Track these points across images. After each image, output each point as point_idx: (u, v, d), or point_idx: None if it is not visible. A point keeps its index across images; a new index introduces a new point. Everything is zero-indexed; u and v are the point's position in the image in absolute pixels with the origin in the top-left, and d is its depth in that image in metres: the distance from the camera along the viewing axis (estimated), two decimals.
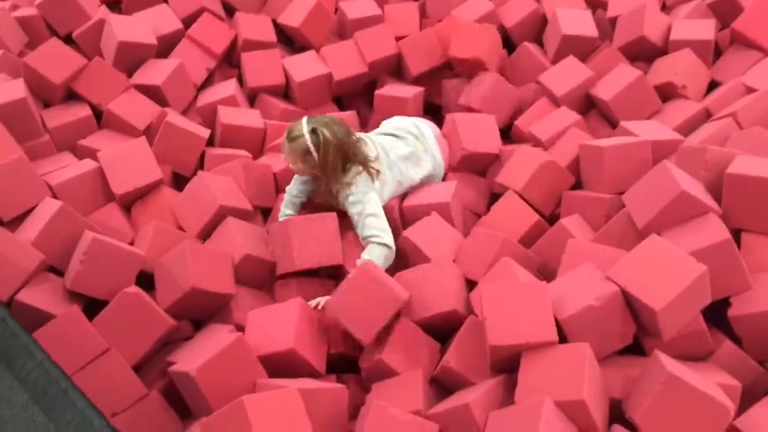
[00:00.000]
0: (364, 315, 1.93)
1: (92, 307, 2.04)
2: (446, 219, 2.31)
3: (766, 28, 2.73)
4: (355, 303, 1.94)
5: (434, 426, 1.65)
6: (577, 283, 1.82)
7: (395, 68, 3.26)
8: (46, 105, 2.78)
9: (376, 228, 2.23)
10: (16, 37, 2.90)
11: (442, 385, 1.90)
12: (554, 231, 2.20)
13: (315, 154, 2.27)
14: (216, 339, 1.89)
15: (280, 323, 1.94)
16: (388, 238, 2.23)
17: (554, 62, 3.06)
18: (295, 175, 2.47)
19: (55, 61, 2.76)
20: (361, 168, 2.32)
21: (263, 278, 2.30)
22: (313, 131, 2.27)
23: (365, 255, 2.18)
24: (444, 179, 2.61)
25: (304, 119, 2.31)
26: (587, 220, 2.24)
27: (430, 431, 1.64)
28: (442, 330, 2.01)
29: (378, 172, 2.35)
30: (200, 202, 2.34)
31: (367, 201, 2.28)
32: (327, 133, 2.26)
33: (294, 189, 2.48)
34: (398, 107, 2.95)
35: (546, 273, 2.13)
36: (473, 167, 2.69)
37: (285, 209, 2.45)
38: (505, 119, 2.92)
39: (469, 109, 2.88)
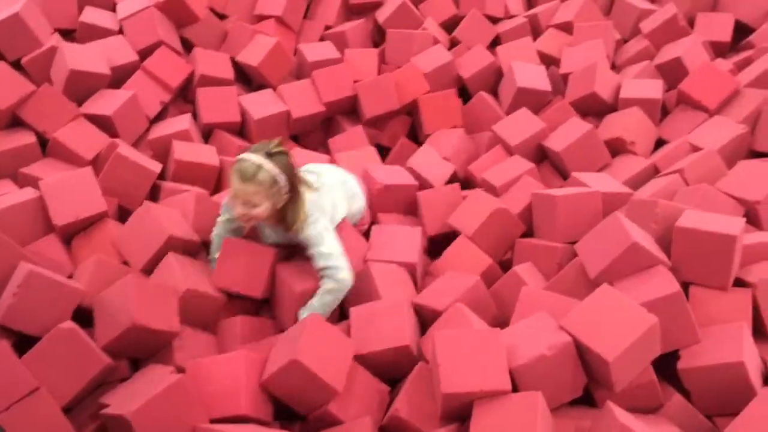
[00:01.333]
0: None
1: (23, 343, 1.92)
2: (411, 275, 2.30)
3: (711, 90, 2.86)
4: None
5: None
6: (530, 332, 1.80)
7: (351, 109, 3.27)
8: None
9: (333, 259, 2.09)
10: None
11: None
12: (507, 278, 2.20)
13: (283, 181, 2.04)
14: (155, 380, 1.79)
15: (227, 381, 1.82)
16: (347, 273, 2.10)
17: (508, 113, 3.12)
18: (225, 219, 2.26)
19: (2, 86, 2.67)
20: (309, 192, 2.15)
21: (207, 315, 2.20)
22: (269, 156, 2.03)
23: (316, 300, 2.08)
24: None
25: (248, 155, 2.05)
26: (540, 268, 2.25)
27: None
28: (391, 370, 1.96)
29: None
30: (147, 232, 2.24)
31: (324, 229, 2.13)
32: (282, 154, 2.05)
33: (229, 231, 2.28)
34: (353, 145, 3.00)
35: (498, 320, 2.11)
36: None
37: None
38: (462, 167, 2.94)
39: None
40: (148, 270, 2.22)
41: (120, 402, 1.77)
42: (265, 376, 1.83)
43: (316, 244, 2.10)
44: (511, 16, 3.74)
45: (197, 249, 2.37)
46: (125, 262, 2.26)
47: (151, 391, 1.70)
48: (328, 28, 3.63)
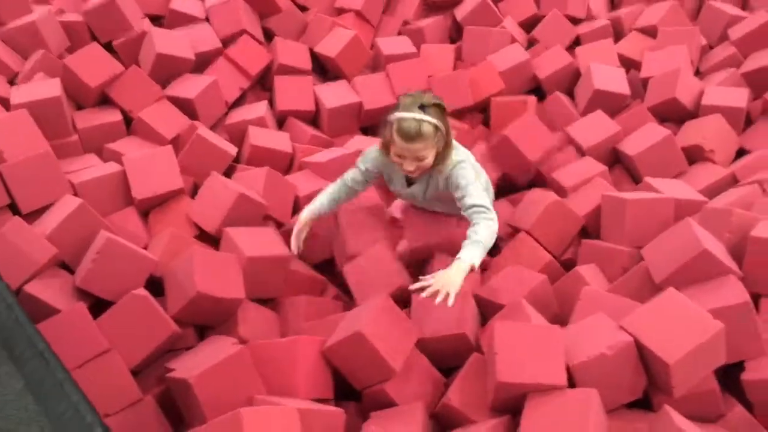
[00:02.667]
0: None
1: (99, 307, 2.03)
2: None
3: None
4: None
5: None
6: (590, 331, 1.78)
7: None
8: (79, 107, 2.83)
9: (481, 198, 2.03)
10: (58, 40, 2.97)
11: (442, 422, 1.85)
12: (569, 278, 2.17)
13: (443, 128, 2.04)
14: (218, 349, 1.86)
15: (285, 365, 1.86)
16: (493, 212, 2.03)
17: (583, 115, 3.07)
18: (364, 168, 2.27)
19: (94, 65, 2.82)
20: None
21: (274, 279, 2.27)
22: (423, 108, 2.01)
23: (474, 235, 1.95)
24: None
25: (406, 113, 2.01)
26: (603, 270, 2.20)
27: None
28: (447, 358, 1.97)
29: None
30: (217, 197, 2.33)
31: (473, 178, 2.09)
32: (435, 105, 2.03)
33: (358, 182, 2.30)
34: None
35: (558, 319, 2.09)
36: None
37: (339, 192, 2.30)
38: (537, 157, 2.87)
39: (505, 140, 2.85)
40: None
41: (184, 367, 1.85)
42: (328, 344, 1.87)
43: (464, 186, 2.06)
44: (593, 18, 3.67)
45: (264, 215, 2.43)
46: (200, 232, 2.34)
47: (214, 359, 1.77)
48: (406, 23, 3.66)
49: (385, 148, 2.13)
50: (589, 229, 2.47)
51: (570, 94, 3.29)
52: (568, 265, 2.34)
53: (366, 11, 3.59)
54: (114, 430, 1.78)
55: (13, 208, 2.28)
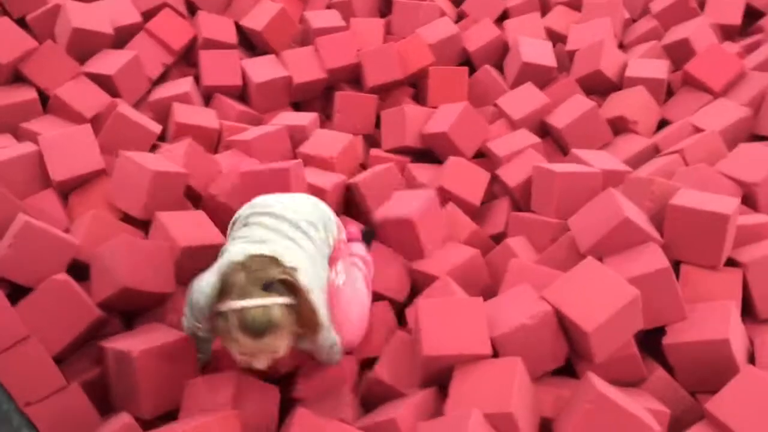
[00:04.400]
0: None
1: (17, 294, 1.94)
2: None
3: (716, 72, 2.83)
4: None
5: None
6: (513, 302, 1.82)
7: (354, 78, 3.25)
8: None
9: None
10: None
11: (371, 401, 1.86)
12: (499, 250, 2.20)
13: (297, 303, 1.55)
14: (159, 334, 1.82)
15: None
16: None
17: (512, 87, 3.10)
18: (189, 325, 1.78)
19: (5, 40, 2.67)
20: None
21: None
22: (268, 288, 1.51)
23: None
24: None
25: (248, 301, 1.49)
26: (533, 242, 2.25)
27: None
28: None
29: None
30: (132, 177, 2.22)
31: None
32: (281, 276, 1.53)
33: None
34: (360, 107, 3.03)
35: (489, 291, 2.12)
36: None
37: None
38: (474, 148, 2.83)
39: (438, 135, 2.81)
40: (149, 212, 2.21)
41: (124, 344, 1.80)
42: None
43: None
44: None
45: (185, 185, 2.34)
46: (124, 216, 2.26)
47: (159, 340, 1.76)
48: None
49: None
50: (520, 202, 2.51)
51: (499, 67, 3.32)
52: (500, 239, 2.37)
53: None
54: (38, 419, 1.73)
55: None
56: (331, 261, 1.94)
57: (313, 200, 2.05)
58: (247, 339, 1.48)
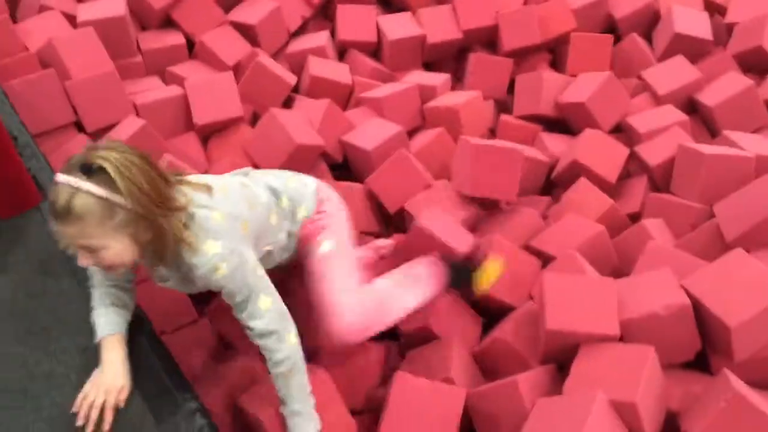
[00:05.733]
0: None
1: None
2: None
3: None
4: None
5: (461, 392, 1.60)
6: (648, 287, 1.71)
7: (490, 40, 3.16)
8: (144, 28, 2.82)
9: (270, 317, 1.44)
10: None
11: (485, 364, 1.83)
12: (633, 231, 2.08)
13: (125, 204, 1.26)
14: None
15: None
16: (288, 330, 1.47)
17: (661, 60, 2.90)
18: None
19: None
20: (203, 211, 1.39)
21: None
22: (88, 172, 1.24)
23: (286, 399, 1.48)
24: None
25: (60, 176, 1.26)
26: (671, 226, 2.11)
27: (455, 397, 1.59)
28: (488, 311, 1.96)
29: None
30: (275, 139, 2.31)
31: (240, 265, 1.40)
32: (112, 157, 1.25)
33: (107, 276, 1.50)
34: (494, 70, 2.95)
35: (618, 273, 2.02)
36: None
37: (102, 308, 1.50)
38: (612, 122, 2.67)
39: (575, 105, 2.68)
40: None
41: None
42: None
43: (239, 302, 1.43)
44: None
45: (321, 153, 2.42)
46: (256, 165, 2.34)
47: None
48: None
49: None
50: (660, 182, 2.35)
51: (647, 37, 3.11)
52: (634, 219, 2.24)
53: None
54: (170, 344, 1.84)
55: (80, 126, 2.31)
56: (306, 238, 1.73)
57: (301, 176, 1.81)
58: (53, 221, 1.26)
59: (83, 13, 2.57)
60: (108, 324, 1.46)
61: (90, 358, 1.45)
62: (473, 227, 2.20)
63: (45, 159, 1.94)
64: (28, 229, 1.77)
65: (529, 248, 2.07)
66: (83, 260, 1.31)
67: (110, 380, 1.39)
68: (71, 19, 2.57)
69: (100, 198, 1.23)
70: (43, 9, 2.59)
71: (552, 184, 2.53)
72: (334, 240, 1.73)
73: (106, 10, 2.57)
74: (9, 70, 2.26)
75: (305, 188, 1.76)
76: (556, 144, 2.59)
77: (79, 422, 1.34)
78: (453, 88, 2.93)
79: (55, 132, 2.24)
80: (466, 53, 3.09)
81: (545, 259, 2.02)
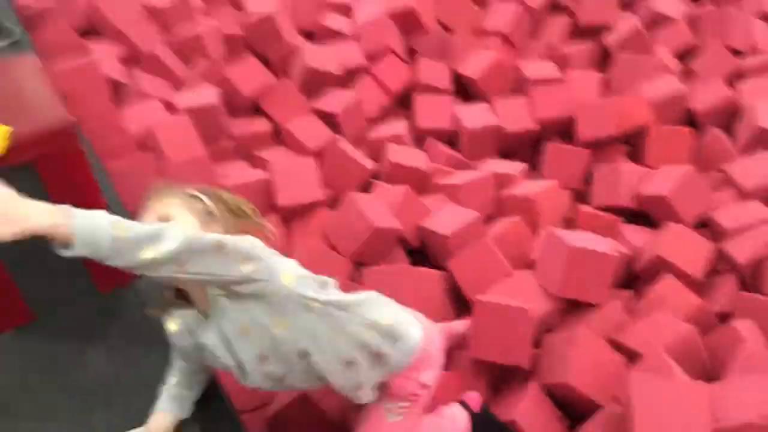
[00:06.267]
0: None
1: None
2: None
3: None
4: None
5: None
6: (743, 393, 1.62)
7: (565, 130, 3.18)
8: (234, 115, 2.98)
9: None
10: (219, 50, 3.15)
11: None
12: (723, 332, 2.00)
13: (205, 196, 1.41)
14: None
15: None
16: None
17: (743, 154, 2.85)
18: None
19: (249, 76, 2.98)
20: None
21: None
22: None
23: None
24: None
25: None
26: (764, 328, 2.01)
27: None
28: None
29: None
30: (353, 222, 2.35)
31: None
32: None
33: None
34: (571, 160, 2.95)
35: (705, 376, 1.93)
36: None
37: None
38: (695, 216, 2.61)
39: (656, 198, 2.65)
40: (357, 258, 2.36)
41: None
42: None
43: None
44: (759, 52, 3.42)
45: (399, 237, 2.45)
46: (335, 248, 2.39)
47: None
48: (551, 48, 3.58)
49: None
50: (748, 280, 2.27)
51: (726, 131, 3.07)
52: (723, 318, 2.16)
53: (512, 34, 3.55)
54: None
55: None
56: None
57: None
58: (148, 200, 1.39)
59: (179, 101, 2.74)
60: (163, 401, 1.50)
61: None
62: (554, 320, 2.16)
63: None
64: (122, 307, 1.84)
65: (613, 342, 2.01)
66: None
67: None
68: (169, 106, 2.74)
69: (190, 190, 1.39)
70: (144, 97, 2.77)
71: (632, 277, 2.48)
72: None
73: (200, 98, 2.74)
74: (112, 153, 2.42)
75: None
76: (636, 236, 2.55)
77: None
78: (529, 177, 2.94)
79: None
80: (542, 143, 3.13)
81: (630, 356, 1.96)
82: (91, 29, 3.14)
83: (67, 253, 1.02)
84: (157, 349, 1.63)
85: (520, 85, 3.36)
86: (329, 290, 1.40)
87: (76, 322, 1.77)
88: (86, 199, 1.75)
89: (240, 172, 2.64)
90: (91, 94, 2.59)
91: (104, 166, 2.34)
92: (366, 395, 1.53)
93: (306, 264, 2.17)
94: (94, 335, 1.75)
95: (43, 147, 1.59)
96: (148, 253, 1.07)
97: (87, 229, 1.02)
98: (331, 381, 1.44)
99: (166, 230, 1.11)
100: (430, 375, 1.63)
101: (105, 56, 2.88)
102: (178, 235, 1.11)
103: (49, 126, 1.60)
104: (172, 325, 1.44)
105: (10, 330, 1.77)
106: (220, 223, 1.39)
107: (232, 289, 1.26)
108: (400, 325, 1.52)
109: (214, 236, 1.17)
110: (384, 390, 1.59)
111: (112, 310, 1.80)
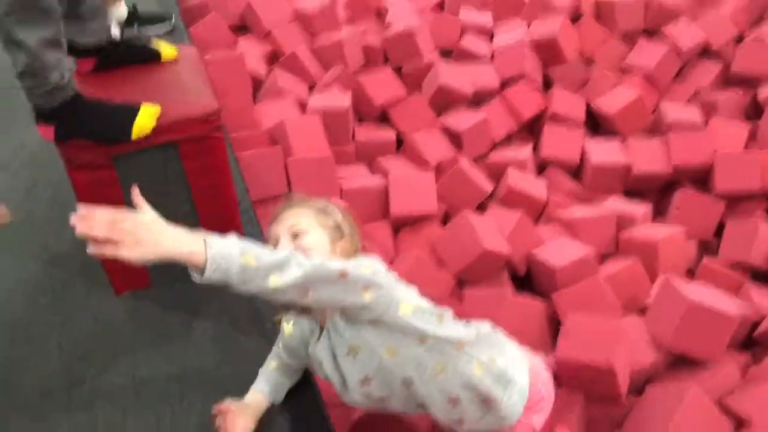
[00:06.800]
0: None
1: None
2: None
3: None
4: None
5: None
6: None
7: (700, 177, 3.00)
8: (361, 120, 3.07)
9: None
10: (356, 58, 3.26)
11: None
12: None
13: (337, 212, 1.48)
14: None
15: None
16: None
17: None
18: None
19: (382, 85, 3.05)
20: None
21: None
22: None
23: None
24: None
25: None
26: None
27: None
28: None
29: None
30: (463, 241, 2.35)
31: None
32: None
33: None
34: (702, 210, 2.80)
35: None
36: None
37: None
38: None
39: None
40: (462, 275, 2.34)
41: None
42: None
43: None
44: None
45: (507, 262, 2.42)
46: (441, 262, 2.39)
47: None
48: (697, 93, 3.40)
49: None
50: None
51: None
52: None
53: (656, 74, 3.41)
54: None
55: None
56: None
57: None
58: (282, 208, 1.48)
59: (313, 101, 2.86)
60: (260, 382, 1.56)
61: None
62: (660, 373, 2.04)
63: (258, 224, 2.14)
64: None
65: (722, 406, 1.87)
66: (285, 246, 1.37)
67: (235, 406, 1.49)
68: (302, 105, 2.87)
69: (321, 205, 1.46)
70: (280, 94, 2.91)
71: (753, 341, 2.29)
72: None
73: (333, 101, 2.83)
74: (243, 143, 2.56)
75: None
76: (763, 298, 2.36)
77: None
78: (653, 221, 2.81)
79: (270, 201, 2.46)
80: (673, 187, 2.97)
81: (739, 422, 1.81)
82: (242, 25, 3.36)
83: (199, 279, 1.08)
84: (258, 337, 1.70)
85: (657, 127, 3.22)
86: (445, 324, 1.36)
87: (186, 296, 1.87)
88: (220, 184, 1.87)
89: (359, 176, 2.70)
90: (235, 86, 2.76)
91: (235, 154, 2.48)
92: (468, 428, 1.49)
93: (410, 275, 2.20)
94: (201, 312, 1.84)
95: (189, 130, 1.71)
96: (274, 282, 1.11)
97: (218, 259, 1.07)
98: (432, 412, 1.42)
99: (292, 259, 1.14)
100: (541, 419, 1.56)
101: (250, 52, 3.06)
102: (303, 264, 1.14)
103: (197, 111, 1.72)
104: (289, 326, 1.51)
105: (128, 291, 1.91)
106: (347, 239, 1.44)
107: (349, 313, 1.28)
108: (510, 369, 1.45)
109: (337, 265, 1.19)
110: None
111: (219, 291, 1.88)
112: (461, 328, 1.39)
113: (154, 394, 1.59)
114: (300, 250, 1.33)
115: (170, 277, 1.87)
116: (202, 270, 1.06)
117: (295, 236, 1.37)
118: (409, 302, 1.29)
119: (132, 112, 1.63)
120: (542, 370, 1.62)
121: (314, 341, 1.41)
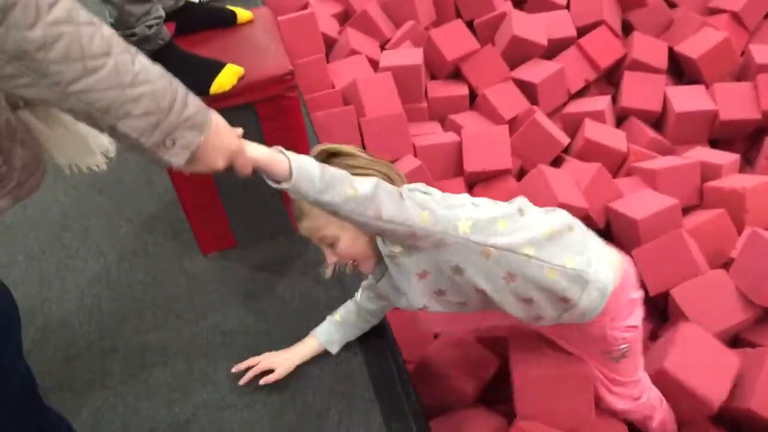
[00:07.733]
0: None
1: None
2: None
3: None
4: None
5: None
6: None
7: None
8: (433, 77, 3.04)
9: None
10: (427, 13, 3.22)
11: None
12: None
13: None
14: None
15: None
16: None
17: None
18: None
19: (454, 40, 3.00)
20: None
21: None
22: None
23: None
24: None
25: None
26: None
27: None
28: None
29: None
30: (538, 196, 2.30)
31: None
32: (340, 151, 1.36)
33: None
34: None
35: None
36: None
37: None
38: None
39: None
40: None
41: None
42: None
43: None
44: None
45: (584, 216, 2.36)
46: None
47: None
48: None
49: None
50: None
51: None
52: None
53: (744, 13, 3.20)
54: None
55: None
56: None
57: None
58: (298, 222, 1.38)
59: (384, 59, 2.85)
60: (321, 329, 1.64)
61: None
62: (747, 332, 1.98)
63: None
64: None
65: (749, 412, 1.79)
66: (330, 258, 1.37)
67: (277, 355, 1.60)
68: (374, 64, 2.87)
69: (373, 157, 1.36)
70: (352, 53, 2.92)
71: None
72: None
73: (405, 58, 2.82)
74: (317, 103, 2.59)
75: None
76: None
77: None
78: (741, 171, 2.68)
79: None
80: (762, 135, 2.82)
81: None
82: None
83: (282, 186, 1.10)
84: (340, 292, 1.76)
85: (745, 71, 3.05)
86: (513, 222, 1.33)
87: (271, 256, 1.94)
88: (296, 143, 1.91)
89: (432, 133, 2.70)
90: (307, 46, 2.79)
91: (310, 114, 2.52)
92: (547, 322, 1.49)
93: None
94: (285, 271, 1.90)
95: (265, 90, 1.75)
96: (351, 190, 1.14)
97: (301, 163, 1.11)
98: (509, 312, 1.43)
99: (358, 176, 1.19)
100: (637, 316, 1.53)
101: (322, 12, 3.07)
102: (371, 180, 1.19)
103: (272, 72, 1.75)
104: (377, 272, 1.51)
105: (215, 252, 1.99)
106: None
107: (412, 243, 1.30)
108: (589, 268, 1.39)
109: (393, 186, 1.23)
110: (594, 344, 1.56)
111: (301, 250, 1.95)
112: (534, 227, 1.35)
113: (243, 346, 1.67)
114: (348, 260, 1.38)
115: (255, 237, 1.94)
116: (282, 178, 1.09)
117: (331, 245, 1.36)
118: (466, 219, 1.28)
119: (216, 67, 1.68)
120: (631, 275, 1.54)
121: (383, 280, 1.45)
